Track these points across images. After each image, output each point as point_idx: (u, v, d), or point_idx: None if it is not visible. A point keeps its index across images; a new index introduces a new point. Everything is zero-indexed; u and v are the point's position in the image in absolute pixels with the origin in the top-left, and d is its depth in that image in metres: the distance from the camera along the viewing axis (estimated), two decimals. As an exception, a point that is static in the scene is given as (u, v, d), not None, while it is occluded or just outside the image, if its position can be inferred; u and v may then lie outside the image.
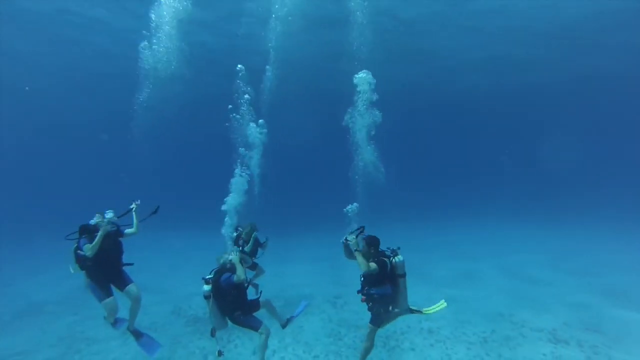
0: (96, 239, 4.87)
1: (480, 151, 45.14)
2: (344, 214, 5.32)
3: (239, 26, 15.48)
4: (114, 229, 5.31)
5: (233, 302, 4.83)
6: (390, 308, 4.76)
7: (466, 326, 7.83)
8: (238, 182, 6.67)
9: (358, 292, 4.85)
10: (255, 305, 5.22)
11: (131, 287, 5.49)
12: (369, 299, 4.74)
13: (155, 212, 5.80)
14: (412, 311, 5.09)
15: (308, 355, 6.90)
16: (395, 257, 4.65)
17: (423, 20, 16.18)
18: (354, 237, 4.58)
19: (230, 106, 8.24)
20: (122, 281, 5.45)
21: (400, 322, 7.74)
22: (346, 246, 4.71)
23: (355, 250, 4.51)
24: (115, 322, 5.60)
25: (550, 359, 6.36)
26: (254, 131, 7.91)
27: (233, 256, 4.83)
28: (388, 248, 4.79)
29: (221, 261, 5.00)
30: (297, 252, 15.49)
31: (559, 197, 29.59)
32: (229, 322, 5.03)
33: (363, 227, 4.67)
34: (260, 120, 8.10)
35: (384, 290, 4.59)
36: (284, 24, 12.24)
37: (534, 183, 36.83)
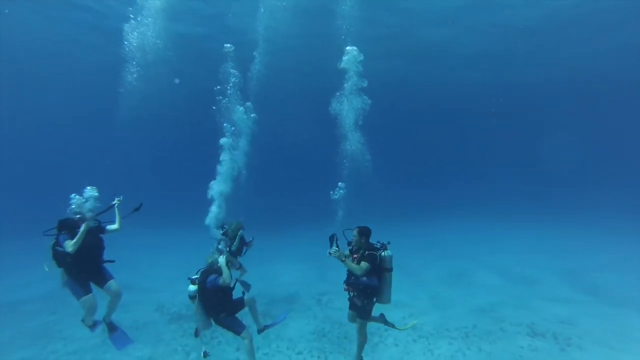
0: (78, 235, 4.70)
1: (473, 149, 45.75)
2: (331, 201, 5.33)
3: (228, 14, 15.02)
4: (95, 224, 5.18)
5: (218, 304, 4.80)
6: (375, 300, 4.84)
7: (449, 322, 7.97)
8: (225, 167, 6.50)
9: (345, 282, 4.88)
10: (239, 303, 5.18)
11: (111, 283, 5.28)
12: (353, 288, 4.78)
13: (138, 209, 5.66)
14: (387, 323, 5.32)
15: (291, 352, 6.90)
16: (384, 251, 4.72)
17: (415, 13, 16.28)
18: (335, 248, 4.59)
19: (217, 87, 7.93)
20: (102, 278, 5.26)
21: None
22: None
23: (343, 260, 4.60)
24: (93, 325, 5.43)
25: (527, 351, 6.55)
26: (241, 115, 7.59)
27: (220, 259, 4.79)
28: (378, 242, 4.86)
29: (209, 261, 4.95)
30: (283, 250, 15.44)
31: (551, 196, 30.28)
32: (213, 323, 5.02)
33: (334, 234, 4.67)
34: (247, 103, 7.79)
35: (370, 281, 4.67)
36: (272, 13, 12.02)
37: (527, 182, 37.60)
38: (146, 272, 12.39)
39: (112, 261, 5.40)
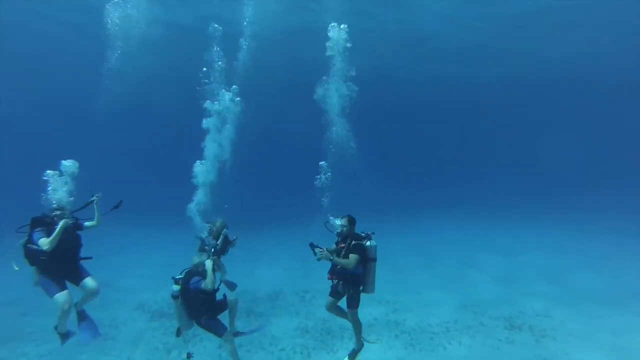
0: (55, 232, 4.54)
1: (463, 149, 46.36)
2: (314, 186, 5.29)
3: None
4: (72, 221, 5.03)
5: (200, 306, 4.76)
6: (361, 288, 4.92)
7: (431, 318, 8.09)
8: (210, 148, 6.31)
9: (329, 272, 4.94)
10: (222, 306, 5.14)
11: (88, 280, 5.10)
12: (339, 277, 4.84)
13: (117, 206, 5.54)
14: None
15: (274, 348, 6.89)
16: (369, 241, 4.80)
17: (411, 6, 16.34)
18: (319, 251, 4.61)
19: (204, 69, 7.63)
20: (79, 275, 5.09)
21: (368, 315, 7.95)
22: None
23: (331, 259, 4.64)
24: (66, 335, 5.19)
25: (504, 344, 6.74)
26: (226, 98, 7.24)
27: (207, 262, 4.73)
28: (363, 232, 4.94)
29: (195, 262, 4.90)
30: (267, 248, 15.37)
31: (541, 196, 30.86)
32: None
33: (312, 242, 4.69)
34: (233, 86, 7.49)
35: (356, 270, 4.74)
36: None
37: (517, 182, 38.25)
38: (128, 271, 12.15)
39: (89, 258, 5.26)
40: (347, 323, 7.61)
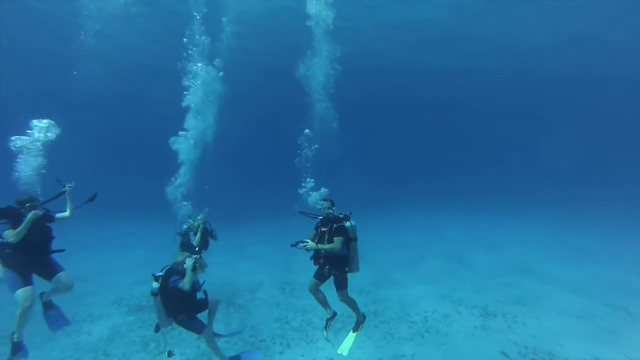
0: (23, 224, 4.33)
1: (442, 142, 46.98)
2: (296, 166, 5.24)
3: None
4: (42, 212, 4.82)
5: (179, 305, 4.70)
6: (347, 269, 4.99)
7: (409, 307, 8.23)
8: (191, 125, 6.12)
9: (311, 258, 4.96)
10: (202, 305, 5.07)
11: (61, 275, 4.91)
12: (325, 261, 4.89)
13: (92, 199, 5.31)
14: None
15: (254, 339, 6.87)
16: (348, 222, 4.85)
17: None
18: (303, 244, 4.59)
19: (185, 40, 7.38)
20: (50, 270, 4.88)
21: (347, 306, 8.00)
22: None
23: (317, 248, 4.65)
24: (18, 348, 4.67)
25: (479, 330, 6.94)
26: (210, 74, 7.04)
27: (188, 261, 4.62)
28: (341, 213, 4.97)
29: (176, 260, 4.81)
30: (249, 241, 15.31)
31: (525, 190, 31.65)
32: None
33: (292, 243, 4.66)
34: (216, 60, 7.25)
35: (341, 252, 4.78)
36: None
37: (499, 176, 39.11)
38: (106, 265, 11.89)
39: (62, 251, 5.02)
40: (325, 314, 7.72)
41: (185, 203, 6.16)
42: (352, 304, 5.34)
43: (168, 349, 4.88)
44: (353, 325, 5.66)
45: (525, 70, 26.60)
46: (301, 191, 4.99)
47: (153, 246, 13.80)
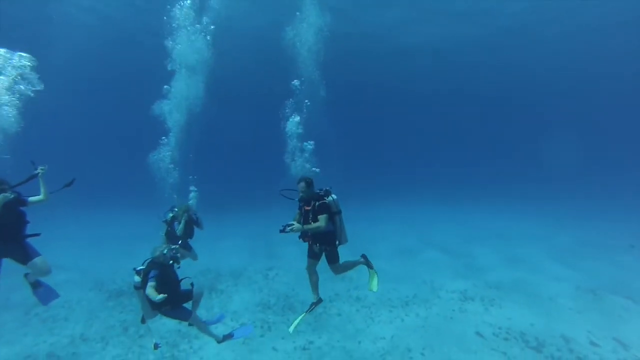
0: None
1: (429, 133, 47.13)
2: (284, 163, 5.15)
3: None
4: (13, 196, 4.65)
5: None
6: (337, 243, 4.95)
7: (391, 293, 8.36)
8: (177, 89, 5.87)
9: (299, 237, 4.90)
10: (187, 296, 4.98)
11: (37, 260, 4.74)
12: (314, 239, 4.85)
13: (70, 184, 5.10)
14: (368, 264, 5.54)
15: (235, 323, 6.90)
16: (330, 196, 4.81)
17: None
18: (290, 227, 4.53)
19: (165, 17, 7.15)
20: (25, 255, 4.71)
21: (330, 291, 8.09)
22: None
23: (303, 229, 4.61)
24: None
25: (457, 313, 7.13)
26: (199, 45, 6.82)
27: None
28: (320, 189, 4.89)
29: (156, 253, 4.74)
30: (232, 228, 15.27)
31: (510, 183, 32.16)
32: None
33: (280, 229, 4.57)
34: (205, 20, 7.04)
35: (328, 228, 4.72)
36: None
37: (488, 168, 39.55)
38: (86, 252, 11.70)
39: (37, 234, 4.85)
40: (310, 298, 7.75)
41: (172, 167, 5.96)
42: (347, 268, 5.23)
43: (154, 341, 4.83)
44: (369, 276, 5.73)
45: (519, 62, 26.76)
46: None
47: (136, 233, 13.64)
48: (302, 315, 5.23)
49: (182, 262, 5.88)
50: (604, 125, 41.06)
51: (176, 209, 6.81)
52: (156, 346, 4.77)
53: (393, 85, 31.62)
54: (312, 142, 5.80)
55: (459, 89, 32.52)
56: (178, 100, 6.05)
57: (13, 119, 4.62)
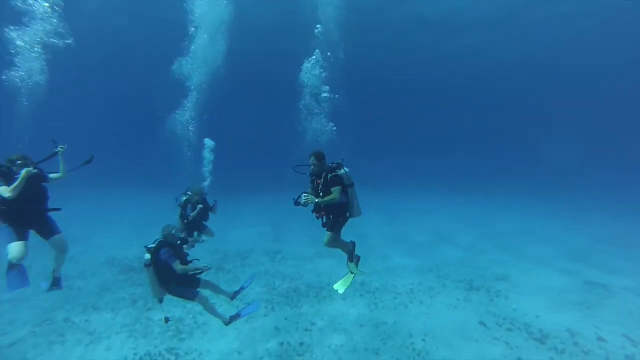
0: (18, 180, 4.29)
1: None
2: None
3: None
4: (36, 171, 4.76)
5: (169, 275, 4.78)
6: (348, 215, 4.91)
7: (396, 279, 8.35)
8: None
9: (312, 211, 4.87)
10: (194, 281, 5.13)
11: (57, 237, 4.97)
12: (327, 211, 4.81)
13: (89, 161, 5.23)
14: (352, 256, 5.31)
15: (240, 302, 6.99)
16: (342, 169, 4.77)
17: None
18: (304, 198, 4.49)
19: None
20: (48, 229, 4.94)
21: (335, 275, 8.13)
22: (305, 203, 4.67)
23: (316, 201, 4.57)
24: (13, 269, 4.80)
25: (461, 302, 7.06)
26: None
27: (178, 267, 4.64)
28: (332, 162, 4.85)
29: (164, 233, 4.85)
30: (243, 212, 15.45)
31: (504, 173, 31.58)
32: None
33: (294, 200, 4.55)
34: None
35: (341, 199, 4.71)
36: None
37: (488, 161, 38.90)
38: (103, 228, 12.11)
39: (58, 209, 4.97)
40: (317, 282, 7.86)
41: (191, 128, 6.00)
42: (339, 245, 5.13)
43: (166, 315, 5.01)
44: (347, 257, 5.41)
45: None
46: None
47: (151, 211, 14.00)
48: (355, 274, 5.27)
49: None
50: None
51: (189, 193, 6.93)
52: (167, 320, 4.94)
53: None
54: (327, 88, 5.68)
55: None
56: (198, 61, 6.06)
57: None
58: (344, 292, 5.57)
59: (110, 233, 11.52)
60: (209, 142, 7.30)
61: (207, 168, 6.87)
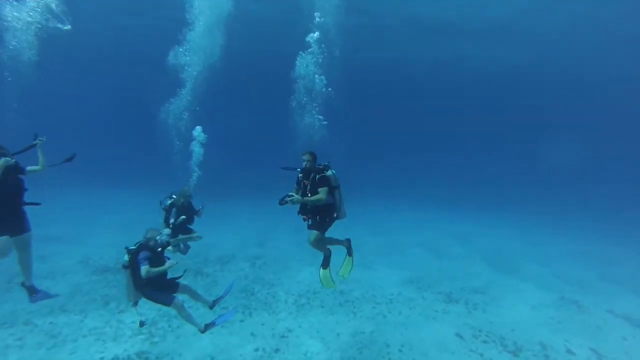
0: None
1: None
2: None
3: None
4: (13, 161, 4.61)
5: (143, 279, 4.62)
6: (335, 216, 4.92)
7: (377, 289, 8.34)
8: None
9: (298, 212, 4.85)
10: (172, 285, 5.02)
11: (26, 236, 4.79)
12: (313, 213, 4.79)
13: (70, 159, 5.11)
14: (349, 249, 5.48)
15: (217, 307, 6.79)
16: (329, 171, 4.79)
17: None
18: (290, 198, 4.49)
19: None
20: (19, 226, 4.74)
21: (316, 283, 8.06)
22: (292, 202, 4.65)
23: (302, 201, 4.57)
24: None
25: (440, 314, 7.10)
26: None
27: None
28: (319, 164, 4.87)
29: (147, 235, 4.76)
30: (229, 216, 15.25)
31: (476, 186, 32.02)
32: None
33: (280, 199, 4.54)
34: None
35: (328, 200, 4.73)
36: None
37: (473, 171, 39.38)
38: (80, 227, 11.74)
39: (37, 204, 4.77)
40: (296, 289, 7.78)
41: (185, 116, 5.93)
42: (326, 243, 5.11)
43: (140, 319, 4.86)
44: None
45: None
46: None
47: (139, 212, 13.69)
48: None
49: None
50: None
51: (174, 196, 6.82)
52: (142, 324, 4.80)
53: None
54: (323, 78, 5.70)
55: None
56: (194, 51, 6.01)
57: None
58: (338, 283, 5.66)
59: (90, 233, 11.17)
60: (199, 133, 7.19)
61: (195, 160, 6.77)
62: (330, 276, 4.93)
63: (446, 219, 18.35)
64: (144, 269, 4.47)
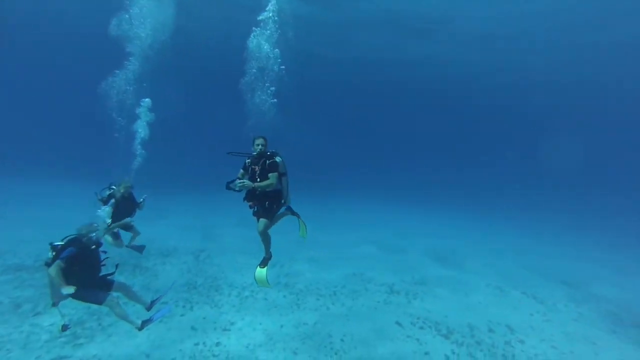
0: None
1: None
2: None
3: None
4: None
5: (72, 277, 4.13)
6: (283, 201, 4.91)
7: (320, 282, 8.45)
8: None
9: (244, 199, 4.68)
10: (106, 283, 4.60)
11: None
12: (262, 199, 4.66)
13: None
14: (293, 213, 5.31)
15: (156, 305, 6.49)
16: (277, 157, 4.75)
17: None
18: (240, 183, 4.26)
19: None
20: None
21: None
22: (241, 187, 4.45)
23: (253, 186, 4.40)
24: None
25: (381, 305, 7.40)
26: None
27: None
28: (268, 150, 4.77)
29: (81, 232, 4.30)
30: (171, 208, 14.50)
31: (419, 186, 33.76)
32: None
33: (227, 183, 4.37)
34: None
35: (277, 186, 4.69)
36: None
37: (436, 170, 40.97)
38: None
39: None
40: (239, 282, 7.63)
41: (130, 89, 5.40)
42: (275, 221, 4.99)
43: (63, 322, 4.33)
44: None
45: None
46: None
47: (65, 207, 12.39)
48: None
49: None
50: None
51: (114, 187, 6.27)
52: (65, 327, 4.30)
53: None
54: (277, 52, 5.54)
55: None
56: (142, 21, 5.51)
57: None
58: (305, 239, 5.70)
59: (7, 230, 9.88)
60: (145, 105, 6.60)
61: (138, 141, 6.25)
62: (266, 276, 4.86)
63: (399, 217, 19.16)
64: (52, 267, 3.99)
